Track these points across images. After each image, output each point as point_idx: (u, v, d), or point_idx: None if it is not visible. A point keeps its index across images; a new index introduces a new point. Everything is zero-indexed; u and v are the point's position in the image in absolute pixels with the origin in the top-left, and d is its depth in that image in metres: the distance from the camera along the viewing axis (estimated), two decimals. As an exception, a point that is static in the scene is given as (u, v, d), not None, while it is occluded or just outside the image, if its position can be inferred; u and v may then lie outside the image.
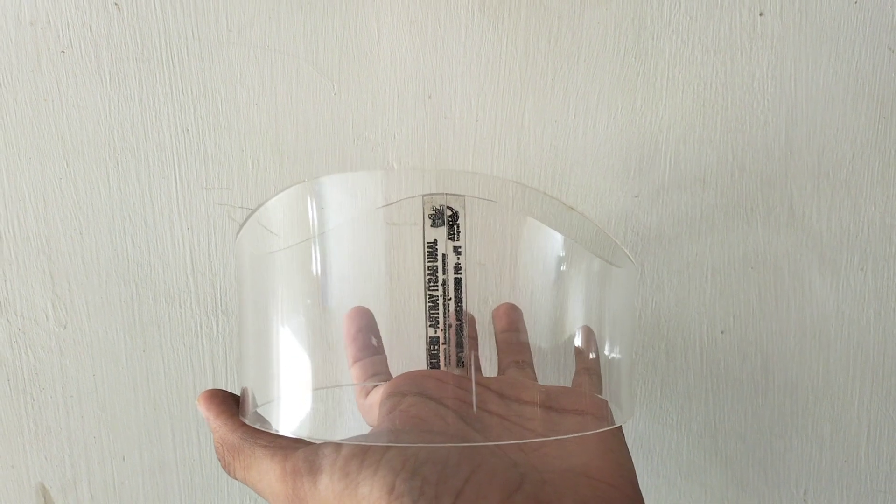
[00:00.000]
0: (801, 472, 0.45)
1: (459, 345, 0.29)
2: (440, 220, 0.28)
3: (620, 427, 0.29)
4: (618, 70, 0.40)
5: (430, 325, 0.29)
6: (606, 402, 0.30)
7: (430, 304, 0.29)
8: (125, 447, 0.44)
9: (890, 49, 0.41)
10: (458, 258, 0.28)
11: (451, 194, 0.28)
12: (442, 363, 0.29)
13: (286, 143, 0.41)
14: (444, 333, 0.29)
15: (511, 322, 0.33)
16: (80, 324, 0.43)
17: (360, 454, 0.24)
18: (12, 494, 0.45)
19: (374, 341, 0.31)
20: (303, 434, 0.27)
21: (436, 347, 0.29)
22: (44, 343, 0.43)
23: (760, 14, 0.40)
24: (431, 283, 0.29)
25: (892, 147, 0.41)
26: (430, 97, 0.41)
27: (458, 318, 0.29)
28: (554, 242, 0.29)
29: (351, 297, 0.30)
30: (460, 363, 0.30)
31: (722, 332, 0.43)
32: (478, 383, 0.29)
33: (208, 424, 0.30)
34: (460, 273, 0.28)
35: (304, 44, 0.40)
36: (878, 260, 0.43)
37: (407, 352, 0.31)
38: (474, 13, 0.40)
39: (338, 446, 0.25)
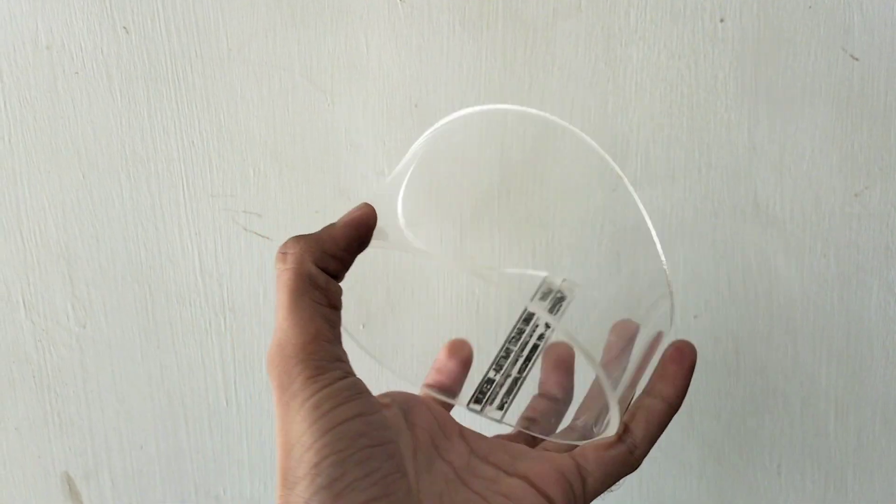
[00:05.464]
0: (774, 447, 0.48)
1: (509, 393, 0.31)
2: (548, 299, 0.30)
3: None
4: (589, 76, 0.44)
5: (492, 369, 0.31)
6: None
7: (503, 353, 0.30)
8: (143, 437, 0.48)
9: (843, 49, 0.43)
10: (547, 331, 0.30)
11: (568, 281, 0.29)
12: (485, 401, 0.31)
13: (284, 151, 0.44)
14: (502, 379, 0.30)
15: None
16: (99, 324, 0.46)
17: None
18: (39, 482, 0.48)
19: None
20: None
21: (488, 387, 0.31)
22: (65, 342, 0.46)
23: (721, 20, 0.43)
24: (513, 338, 0.30)
25: (848, 140, 0.44)
26: (416, 106, 0.44)
27: (521, 373, 0.30)
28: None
29: None
30: (501, 406, 0.31)
31: (695, 317, 0.47)
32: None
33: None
34: (541, 342, 0.30)
35: (299, 59, 0.43)
36: (839, 247, 0.46)
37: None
38: (455, 27, 0.43)
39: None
